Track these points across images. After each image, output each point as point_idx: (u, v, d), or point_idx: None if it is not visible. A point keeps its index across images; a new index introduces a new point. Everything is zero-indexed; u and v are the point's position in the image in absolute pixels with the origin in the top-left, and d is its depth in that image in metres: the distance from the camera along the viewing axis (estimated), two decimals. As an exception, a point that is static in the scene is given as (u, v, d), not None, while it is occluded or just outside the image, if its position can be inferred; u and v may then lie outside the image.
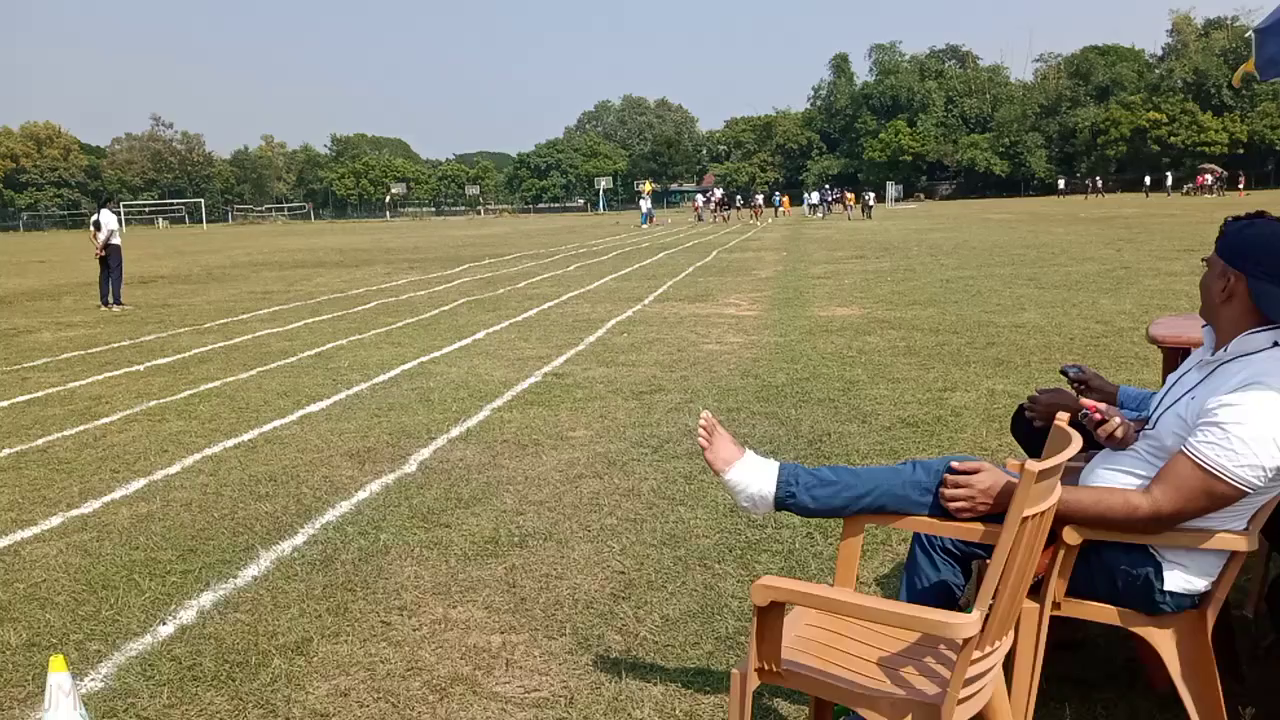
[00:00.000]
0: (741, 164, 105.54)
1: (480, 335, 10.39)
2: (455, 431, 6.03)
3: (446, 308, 13.28)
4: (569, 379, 7.70)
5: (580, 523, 4.27)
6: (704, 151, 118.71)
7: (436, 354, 9.17)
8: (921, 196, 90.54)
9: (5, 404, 7.41)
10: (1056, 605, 2.29)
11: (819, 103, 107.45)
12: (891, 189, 76.97)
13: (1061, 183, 74.63)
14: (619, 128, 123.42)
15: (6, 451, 5.87)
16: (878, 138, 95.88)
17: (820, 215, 55.11)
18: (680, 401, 6.68)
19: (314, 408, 6.86)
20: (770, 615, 1.95)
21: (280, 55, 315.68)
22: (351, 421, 6.38)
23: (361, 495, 4.74)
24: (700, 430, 2.42)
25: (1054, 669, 2.58)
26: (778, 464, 2.39)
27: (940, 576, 2.53)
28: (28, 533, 4.35)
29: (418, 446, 5.67)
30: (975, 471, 2.22)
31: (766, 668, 1.99)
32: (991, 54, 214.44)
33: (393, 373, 8.20)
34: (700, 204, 58.24)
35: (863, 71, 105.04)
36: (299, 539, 4.14)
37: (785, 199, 66.81)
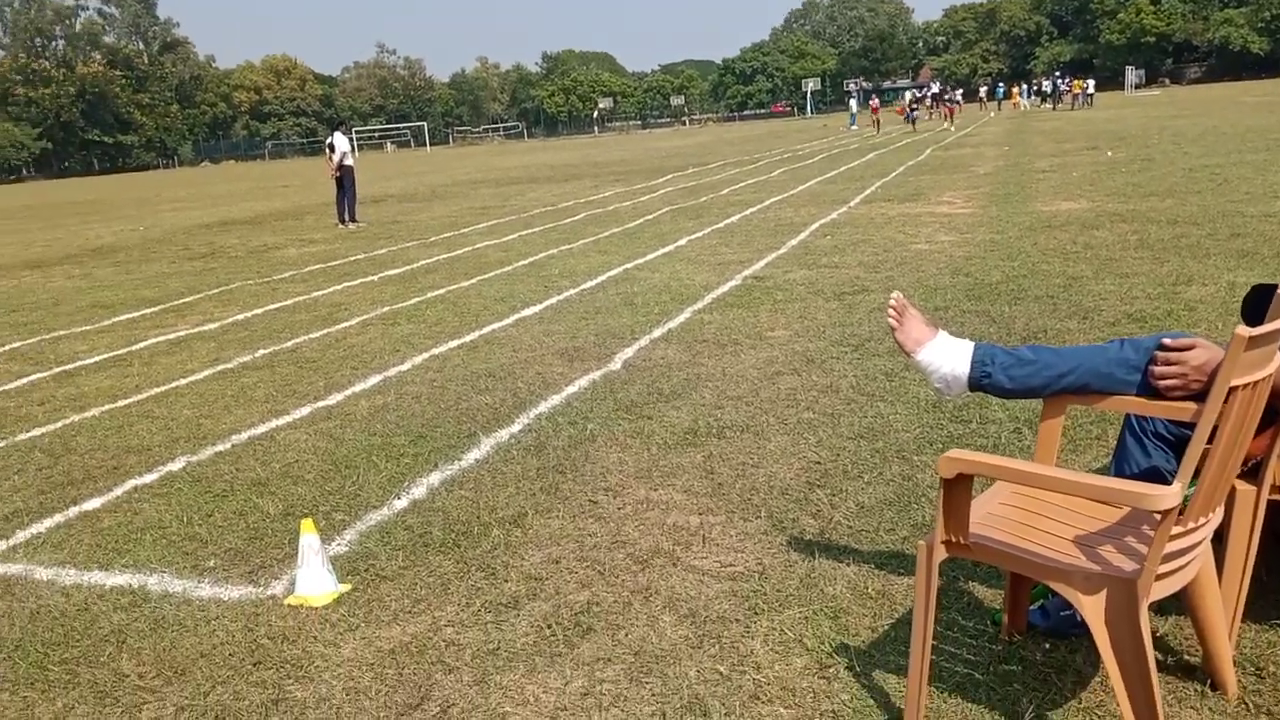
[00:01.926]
0: (962, 55, 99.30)
1: (683, 242, 10.49)
2: (657, 332, 6.18)
3: (650, 217, 13.45)
4: (769, 281, 7.69)
5: (777, 416, 4.32)
6: (920, 45, 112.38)
7: (640, 261, 9.36)
8: (1166, 81, 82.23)
9: (260, 311, 8.22)
10: (1277, 489, 2.14)
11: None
12: (1131, 74, 70.21)
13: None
14: (828, 25, 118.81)
15: (262, 352, 6.55)
16: (1116, 18, 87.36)
17: (1052, 106, 50.94)
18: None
19: (527, 312, 7.21)
20: (958, 488, 1.94)
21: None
22: (561, 324, 6.67)
23: (570, 390, 4.99)
24: (890, 310, 2.40)
25: (1278, 562, 2.43)
26: (973, 344, 2.34)
27: (1151, 462, 2.41)
28: (281, 420, 4.88)
29: (622, 346, 5.87)
30: (1189, 348, 2.09)
31: (954, 540, 2.00)
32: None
33: (599, 279, 8.46)
34: (912, 100, 43.44)
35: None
36: (515, 427, 4.43)
37: (1015, 91, 58.81)
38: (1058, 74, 64.30)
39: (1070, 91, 51.30)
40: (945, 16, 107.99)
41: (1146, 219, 9.08)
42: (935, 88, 56.47)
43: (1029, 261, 7.49)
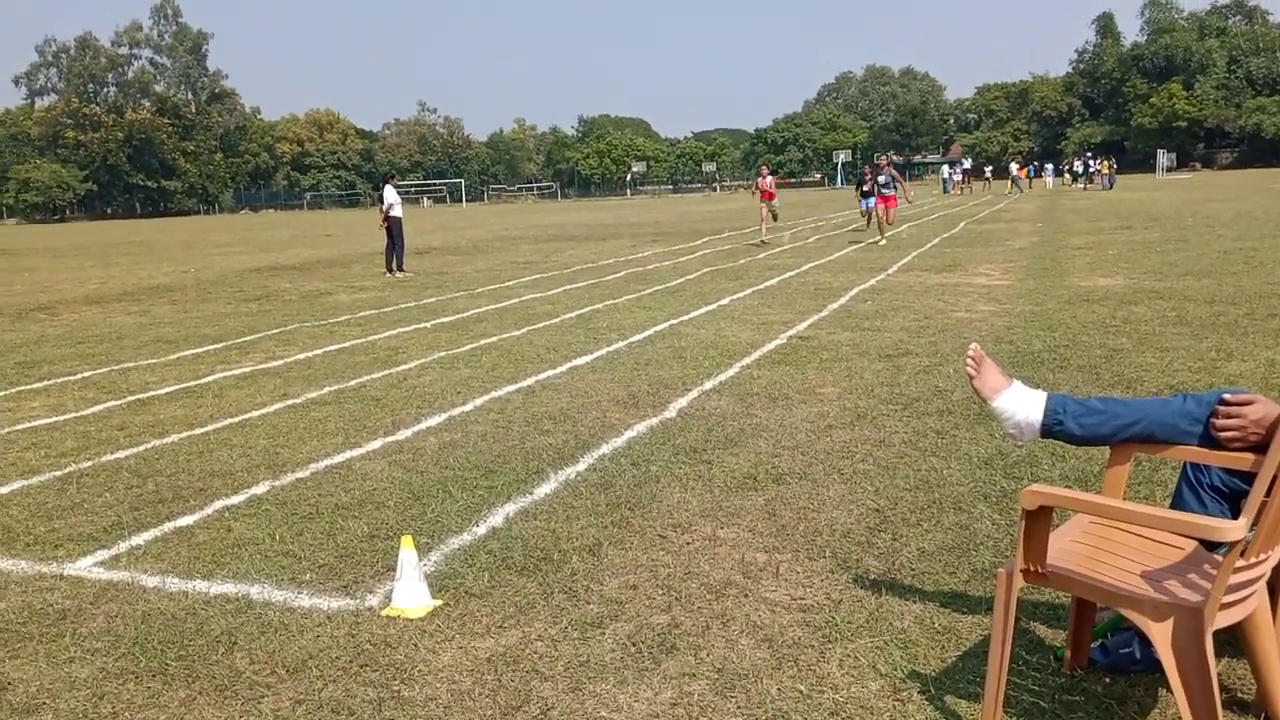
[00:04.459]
0: (992, 133, 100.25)
1: (725, 301, 10.76)
2: (709, 384, 6.40)
3: (691, 277, 13.75)
4: (814, 341, 7.90)
5: (833, 466, 4.50)
6: (951, 121, 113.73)
7: (685, 317, 9.62)
8: (1197, 166, 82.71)
9: (320, 352, 8.52)
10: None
11: (1082, 66, 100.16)
12: (1163, 157, 70.71)
13: None
14: (860, 99, 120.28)
15: (328, 389, 6.81)
16: (1148, 102, 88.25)
17: (1082, 186, 51.46)
18: (930, 364, 6.73)
19: (580, 361, 7.46)
20: (1038, 519, 2.13)
21: (532, 40, 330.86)
22: (614, 374, 6.91)
23: (630, 434, 5.20)
24: (968, 361, 2.61)
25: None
26: (1045, 393, 2.54)
27: (1206, 512, 2.58)
28: (356, 452, 5.11)
29: (676, 396, 6.09)
30: (1249, 403, 2.29)
31: (1032, 569, 2.18)
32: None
33: (647, 333, 8.71)
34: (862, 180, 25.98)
35: (1131, 31, 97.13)
36: (581, 466, 4.64)
37: (1024, 170, 56.94)
38: (1089, 154, 64.73)
39: (1100, 171, 51.78)
40: (977, 94, 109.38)
41: (1184, 297, 9.26)
42: (968, 164, 56.23)
43: (1069, 333, 7.68)
